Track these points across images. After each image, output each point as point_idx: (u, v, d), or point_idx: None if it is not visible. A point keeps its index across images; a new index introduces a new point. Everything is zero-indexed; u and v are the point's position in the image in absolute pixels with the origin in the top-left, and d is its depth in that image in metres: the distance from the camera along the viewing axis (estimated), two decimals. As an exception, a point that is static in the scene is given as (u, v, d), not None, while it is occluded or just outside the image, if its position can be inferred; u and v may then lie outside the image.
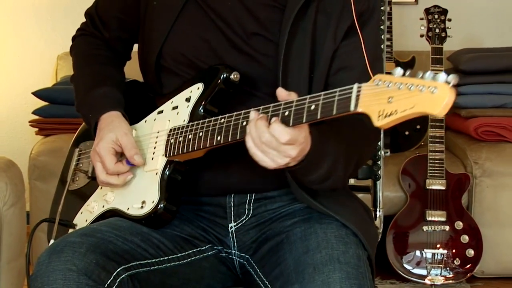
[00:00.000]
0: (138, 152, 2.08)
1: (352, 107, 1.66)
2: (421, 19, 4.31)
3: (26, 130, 4.48)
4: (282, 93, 1.82)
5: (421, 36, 4.28)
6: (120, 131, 2.09)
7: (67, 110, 4.21)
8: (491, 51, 4.64)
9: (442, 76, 1.55)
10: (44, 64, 4.91)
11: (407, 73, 1.61)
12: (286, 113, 1.78)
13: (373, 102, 1.63)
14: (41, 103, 4.35)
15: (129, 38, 2.33)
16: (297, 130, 1.77)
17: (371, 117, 1.62)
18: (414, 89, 1.57)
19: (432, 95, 1.54)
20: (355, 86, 1.66)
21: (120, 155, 2.11)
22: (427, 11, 4.30)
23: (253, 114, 1.82)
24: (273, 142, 1.77)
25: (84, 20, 2.44)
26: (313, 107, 1.74)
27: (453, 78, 1.54)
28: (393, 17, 4.61)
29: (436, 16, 4.26)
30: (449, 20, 4.27)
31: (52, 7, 5.03)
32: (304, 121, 1.75)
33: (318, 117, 1.73)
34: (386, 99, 1.60)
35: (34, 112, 4.35)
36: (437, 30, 4.24)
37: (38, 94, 4.35)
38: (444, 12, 4.27)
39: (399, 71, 1.61)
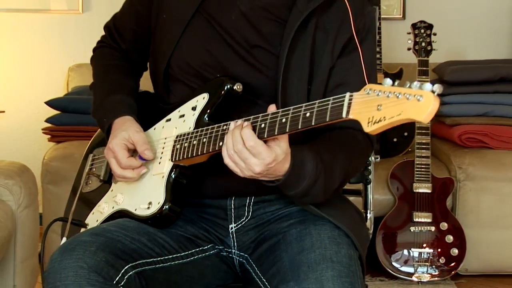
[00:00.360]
0: (149, 147, 2.09)
1: (344, 114, 1.68)
2: (408, 33, 4.32)
3: (39, 137, 4.48)
4: (272, 109, 1.85)
5: (408, 49, 4.29)
6: (132, 130, 2.11)
7: (78, 118, 4.23)
8: (473, 63, 4.64)
9: (427, 85, 1.56)
10: (56, 76, 4.92)
11: (396, 83, 1.62)
12: (284, 120, 1.80)
13: (363, 110, 1.65)
14: (53, 112, 4.36)
15: (143, 48, 2.33)
16: (267, 148, 1.80)
17: (361, 124, 1.64)
18: (401, 97, 1.58)
19: (418, 103, 1.56)
20: (347, 94, 1.68)
21: (133, 152, 2.13)
22: (414, 26, 4.32)
23: (232, 125, 1.86)
24: (244, 152, 1.80)
25: (92, 34, 2.46)
26: (308, 114, 1.75)
27: (438, 88, 1.55)
28: (382, 31, 4.61)
29: (422, 31, 4.27)
30: (434, 34, 4.28)
31: (64, 23, 5.05)
32: (300, 127, 1.77)
33: (313, 123, 1.74)
34: (375, 107, 1.62)
35: (47, 120, 4.36)
36: (423, 44, 4.24)
37: (51, 103, 4.36)
38: (430, 27, 4.28)
39: (388, 81, 1.63)
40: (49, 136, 4.40)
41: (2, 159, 3.79)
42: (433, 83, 1.58)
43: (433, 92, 1.55)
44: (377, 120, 1.62)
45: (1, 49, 5.06)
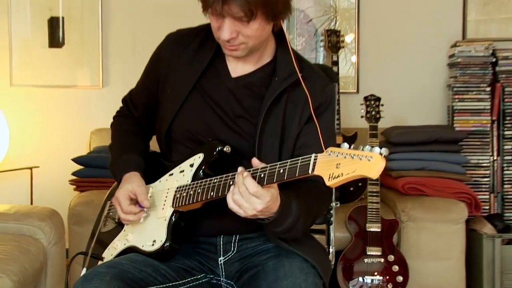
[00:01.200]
0: (147, 198, 2.11)
1: (310, 171, 1.73)
2: (361, 104, 4.32)
3: (66, 187, 4.46)
4: (255, 162, 1.88)
5: (361, 117, 4.29)
6: (135, 184, 2.13)
7: (98, 172, 4.22)
8: (413, 128, 4.66)
9: (376, 149, 1.62)
10: (81, 138, 4.90)
11: (352, 146, 1.67)
12: (262, 175, 1.83)
13: (325, 167, 1.69)
14: (78, 167, 4.35)
15: (153, 116, 2.32)
16: (265, 190, 1.82)
17: (324, 178, 1.69)
18: (356, 158, 1.64)
19: (369, 162, 1.61)
20: (313, 155, 1.73)
21: (136, 201, 2.13)
22: (366, 98, 4.32)
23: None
24: (246, 193, 1.81)
25: (109, 104, 2.48)
26: (281, 170, 1.79)
27: (385, 151, 1.62)
28: (340, 103, 4.62)
29: (372, 102, 4.28)
30: (382, 105, 4.29)
31: (87, 96, 5.06)
32: (274, 180, 1.81)
33: (285, 178, 1.78)
34: (335, 165, 1.67)
35: (73, 174, 4.35)
36: (373, 113, 4.25)
37: (76, 160, 4.35)
38: (378, 99, 4.30)
39: (345, 145, 1.68)
40: (74, 186, 4.38)
41: (36, 205, 3.78)
42: (381, 146, 1.63)
43: (381, 154, 1.61)
44: (336, 176, 1.66)
45: (38, 116, 5.06)
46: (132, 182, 2.13)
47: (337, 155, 1.68)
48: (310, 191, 2.04)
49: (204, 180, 2.01)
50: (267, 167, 1.84)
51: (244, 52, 2.07)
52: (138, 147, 2.30)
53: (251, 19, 1.94)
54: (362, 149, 1.65)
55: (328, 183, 1.68)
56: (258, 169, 1.85)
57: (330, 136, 2.14)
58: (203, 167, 2.08)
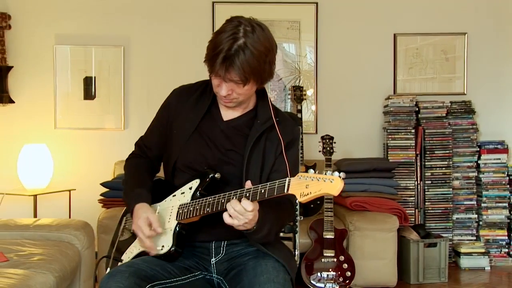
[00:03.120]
0: (160, 225, 2.07)
1: (285, 190, 1.75)
2: (319, 142, 4.35)
3: (95, 205, 4.43)
4: (248, 184, 1.90)
5: (319, 151, 4.31)
6: (149, 213, 2.08)
7: (120, 194, 4.09)
8: (357, 160, 4.69)
9: (336, 173, 1.67)
10: (106, 167, 4.88)
11: (317, 171, 1.71)
12: (247, 194, 1.86)
13: (297, 188, 1.72)
14: (104, 190, 4.33)
15: (161, 155, 2.30)
16: (254, 204, 1.85)
17: (296, 196, 1.72)
18: (320, 180, 1.67)
19: (331, 183, 1.66)
20: (287, 179, 1.76)
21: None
22: (322, 137, 4.35)
23: (224, 199, 1.92)
24: (242, 210, 1.84)
25: (129, 142, 2.47)
26: (263, 190, 1.82)
27: (343, 174, 1.68)
28: (303, 141, 4.65)
29: (327, 140, 4.31)
30: (335, 142, 4.31)
31: (112, 136, 5.05)
32: (258, 198, 1.84)
33: (266, 196, 1.81)
34: (304, 186, 1.69)
35: (101, 195, 4.32)
36: (328, 148, 4.27)
37: (103, 184, 4.33)
38: (332, 138, 4.32)
39: (311, 171, 1.72)
40: (102, 204, 4.35)
41: (73, 218, 3.76)
42: (339, 171, 1.66)
43: (339, 177, 1.66)
44: (306, 194, 1.69)
45: (75, 151, 5.05)
46: (146, 212, 2.08)
47: (306, 179, 1.70)
48: (279, 205, 2.05)
49: (201, 199, 2.01)
50: (250, 188, 1.86)
51: (235, 104, 2.12)
52: (147, 184, 2.25)
53: (245, 84, 2.00)
54: (325, 174, 1.68)
55: (300, 199, 1.70)
56: (244, 190, 1.87)
57: (295, 164, 2.17)
58: (200, 189, 2.07)
